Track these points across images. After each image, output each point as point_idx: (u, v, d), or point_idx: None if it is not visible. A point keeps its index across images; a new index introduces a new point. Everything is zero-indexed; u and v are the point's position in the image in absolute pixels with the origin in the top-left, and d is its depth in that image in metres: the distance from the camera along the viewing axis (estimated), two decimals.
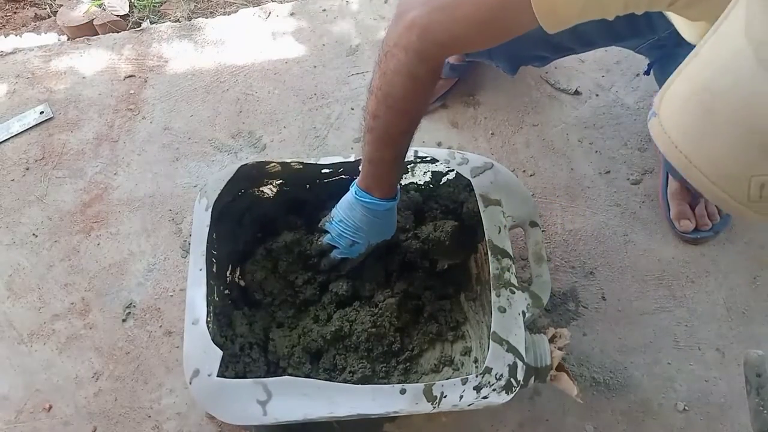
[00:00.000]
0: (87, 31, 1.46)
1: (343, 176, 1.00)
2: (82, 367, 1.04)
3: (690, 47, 0.50)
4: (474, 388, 0.77)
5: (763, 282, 1.10)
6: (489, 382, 0.77)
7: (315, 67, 1.37)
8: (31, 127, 1.29)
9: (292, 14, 1.46)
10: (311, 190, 1.02)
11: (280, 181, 1.00)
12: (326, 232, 0.94)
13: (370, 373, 0.93)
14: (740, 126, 0.45)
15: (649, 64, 1.03)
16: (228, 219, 0.96)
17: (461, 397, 0.77)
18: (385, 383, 0.90)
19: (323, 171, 0.98)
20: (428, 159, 0.98)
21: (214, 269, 0.90)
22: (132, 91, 1.34)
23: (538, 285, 0.87)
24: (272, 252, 0.98)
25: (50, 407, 1.01)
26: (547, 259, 0.93)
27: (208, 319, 0.83)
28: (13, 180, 1.23)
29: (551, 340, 0.84)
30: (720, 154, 0.47)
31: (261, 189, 1.00)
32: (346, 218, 0.91)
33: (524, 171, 1.22)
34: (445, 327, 0.99)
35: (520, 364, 0.79)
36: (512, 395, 0.77)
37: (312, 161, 0.97)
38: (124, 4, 1.53)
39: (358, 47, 1.40)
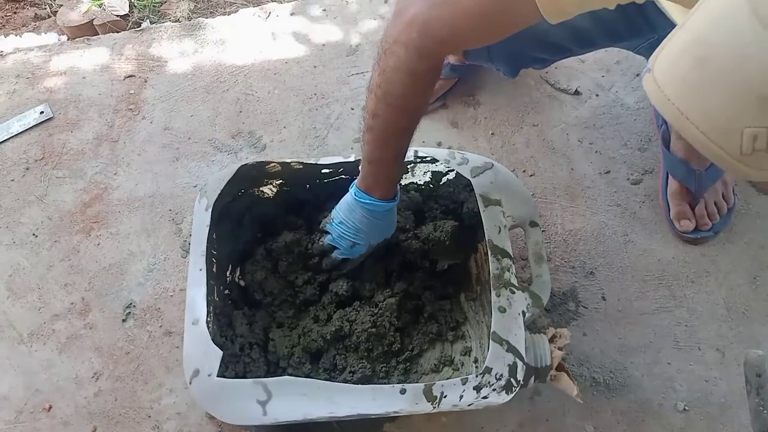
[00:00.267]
0: (87, 31, 1.46)
1: (343, 176, 1.00)
2: (82, 367, 1.04)
3: None
4: (474, 388, 0.77)
5: (763, 282, 1.10)
6: (489, 382, 0.77)
7: (315, 67, 1.37)
8: (31, 127, 1.29)
9: (292, 14, 1.46)
10: (311, 190, 1.02)
11: (280, 181, 1.00)
12: (327, 233, 0.94)
13: (370, 373, 0.93)
14: (733, 77, 0.45)
15: None
16: (228, 219, 0.96)
17: (461, 397, 0.77)
18: (385, 383, 0.90)
19: (323, 171, 0.98)
20: (428, 159, 0.98)
21: (214, 269, 0.90)
22: (132, 91, 1.34)
23: (538, 285, 0.87)
24: (272, 252, 0.98)
25: (50, 407, 1.01)
26: (547, 259, 0.93)
27: (208, 319, 0.83)
28: (13, 180, 1.23)
29: (551, 340, 0.84)
30: (713, 106, 0.47)
31: (261, 189, 1.00)
32: (346, 220, 0.90)
33: (524, 171, 1.22)
34: (445, 327, 0.99)
35: (520, 364, 0.79)
36: (512, 395, 0.78)
37: (312, 161, 0.97)
38: (124, 4, 1.53)
39: (358, 47, 1.40)
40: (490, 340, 0.80)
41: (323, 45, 1.40)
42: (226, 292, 0.95)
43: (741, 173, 0.50)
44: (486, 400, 0.77)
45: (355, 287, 0.99)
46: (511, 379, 0.78)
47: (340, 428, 0.97)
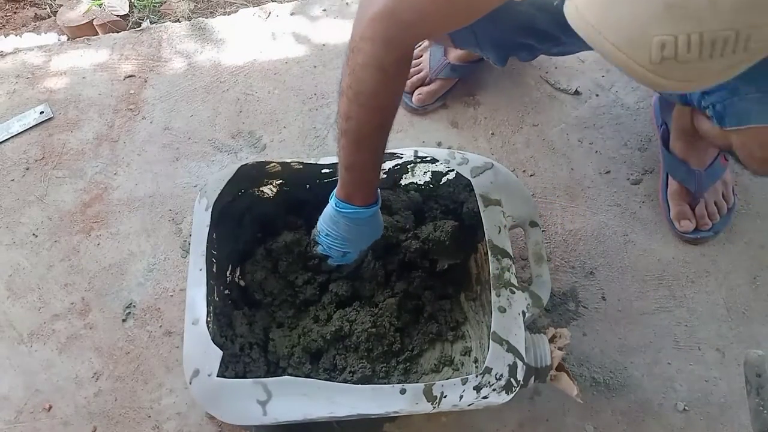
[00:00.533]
0: (87, 31, 1.46)
1: None
2: (82, 367, 1.04)
3: None
4: (474, 388, 0.77)
5: (763, 282, 1.10)
6: (489, 382, 0.77)
7: (315, 67, 1.37)
8: (31, 127, 1.29)
9: (292, 14, 1.46)
10: (311, 190, 1.02)
11: (280, 181, 1.00)
12: (318, 243, 0.94)
13: (370, 373, 0.93)
14: None
15: None
16: (228, 219, 0.96)
17: (461, 397, 0.77)
18: (385, 383, 0.90)
19: (323, 171, 0.98)
20: (428, 159, 0.98)
21: (214, 269, 0.90)
22: (132, 91, 1.34)
23: (538, 285, 0.87)
24: (272, 252, 0.98)
25: (50, 407, 1.01)
26: (547, 259, 0.93)
27: (208, 319, 0.83)
28: (13, 180, 1.23)
29: (551, 340, 0.84)
30: (623, 17, 0.49)
31: (261, 189, 1.00)
32: (331, 232, 0.90)
33: (524, 171, 1.22)
34: (445, 327, 0.99)
35: (520, 364, 0.79)
36: (512, 395, 0.78)
37: (312, 161, 0.97)
38: (124, 4, 1.53)
39: None
40: (490, 340, 0.80)
41: (323, 45, 1.40)
42: (226, 292, 0.95)
43: (653, 83, 0.51)
44: (486, 400, 0.77)
45: (355, 287, 0.99)
46: (511, 379, 0.78)
47: (340, 428, 0.97)
